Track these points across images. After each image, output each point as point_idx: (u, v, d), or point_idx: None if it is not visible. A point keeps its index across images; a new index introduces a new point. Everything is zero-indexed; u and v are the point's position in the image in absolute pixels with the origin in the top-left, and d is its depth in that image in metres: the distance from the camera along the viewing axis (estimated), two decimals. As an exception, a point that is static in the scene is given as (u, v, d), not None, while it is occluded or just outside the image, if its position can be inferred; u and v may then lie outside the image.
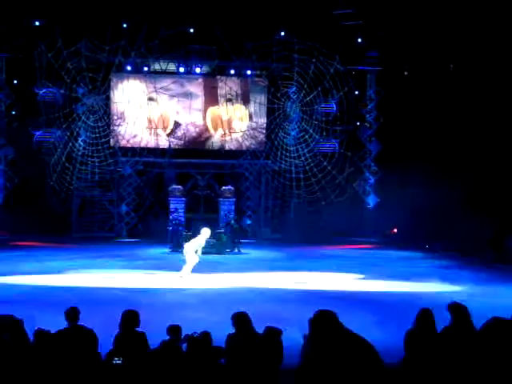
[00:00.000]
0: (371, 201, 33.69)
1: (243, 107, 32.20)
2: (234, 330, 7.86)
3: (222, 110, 32.05)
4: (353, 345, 6.15)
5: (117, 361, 7.40)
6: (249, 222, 31.76)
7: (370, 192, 33.81)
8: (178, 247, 24.74)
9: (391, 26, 29.19)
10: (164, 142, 31.88)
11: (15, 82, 31.22)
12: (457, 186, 26.99)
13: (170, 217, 28.52)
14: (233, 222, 27.79)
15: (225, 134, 32.19)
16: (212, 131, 32.17)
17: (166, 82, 31.80)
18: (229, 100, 32.04)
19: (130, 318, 8.12)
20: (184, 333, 8.01)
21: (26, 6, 27.78)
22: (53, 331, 7.90)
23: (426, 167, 28.62)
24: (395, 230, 30.43)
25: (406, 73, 32.18)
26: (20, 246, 27.25)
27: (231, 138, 32.32)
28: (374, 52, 32.41)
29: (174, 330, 8.41)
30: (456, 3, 27.30)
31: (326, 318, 6.30)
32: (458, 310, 7.44)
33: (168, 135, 31.85)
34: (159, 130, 31.75)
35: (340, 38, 30.11)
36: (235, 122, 32.19)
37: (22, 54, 29.78)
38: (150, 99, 31.58)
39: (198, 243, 19.68)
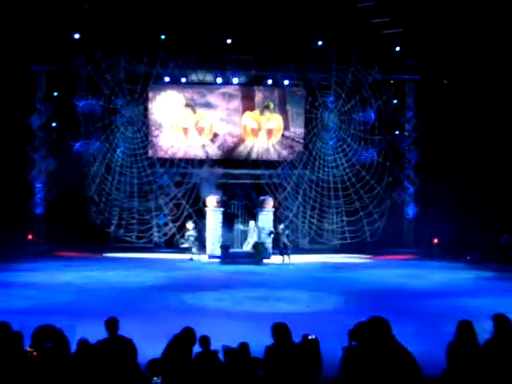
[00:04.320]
0: (410, 211, 33.30)
1: (280, 117, 32.16)
2: (272, 341, 7.78)
3: (260, 119, 32.04)
4: (398, 358, 6.06)
5: (156, 380, 7.40)
6: (287, 232, 31.65)
7: (409, 202, 33.45)
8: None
9: (430, 34, 28.93)
10: (201, 153, 31.95)
11: (55, 94, 31.61)
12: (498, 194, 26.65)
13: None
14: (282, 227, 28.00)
15: (262, 143, 32.15)
16: (249, 141, 32.16)
17: (202, 93, 31.92)
18: (266, 108, 32.02)
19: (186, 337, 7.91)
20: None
21: (65, 19, 28.12)
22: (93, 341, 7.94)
23: (466, 176, 28.29)
24: (436, 241, 30.03)
25: (445, 81, 31.82)
26: (60, 256, 27.55)
27: (269, 148, 32.28)
28: (412, 60, 32.12)
29: (204, 340, 8.35)
30: (495, 10, 27.02)
31: (379, 325, 6.20)
32: (502, 321, 7.31)
33: (205, 145, 31.92)
34: (196, 140, 31.82)
35: (378, 46, 29.95)
36: (272, 130, 32.14)
37: (62, 67, 30.15)
38: (188, 106, 31.72)
39: None
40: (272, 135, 32.13)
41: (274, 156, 32.34)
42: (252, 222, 28.45)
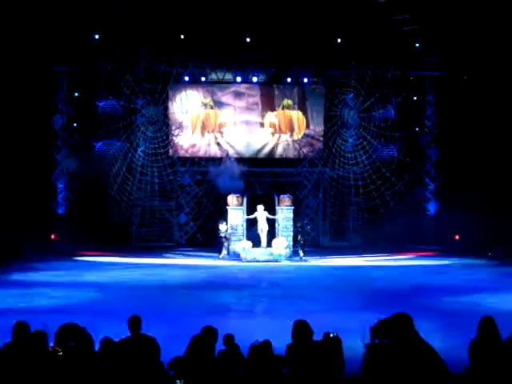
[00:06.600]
0: (432, 207, 33.18)
1: (300, 114, 32.13)
2: (293, 338, 7.77)
3: (280, 117, 32.04)
4: (423, 354, 6.05)
5: (178, 383, 7.46)
6: (307, 229, 31.58)
7: (430, 198, 33.32)
8: None
9: (450, 30, 28.74)
10: (221, 152, 32.00)
11: (76, 94, 31.80)
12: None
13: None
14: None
15: (281, 141, 32.14)
16: (269, 139, 32.17)
17: (223, 92, 31.97)
18: (286, 107, 32.00)
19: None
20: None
21: (85, 20, 28.25)
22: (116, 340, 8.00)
23: (487, 172, 28.08)
24: (457, 237, 29.87)
25: (465, 77, 31.58)
26: (82, 256, 27.71)
27: (289, 146, 32.29)
28: (432, 57, 31.93)
29: (228, 339, 8.40)
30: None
31: (402, 321, 6.20)
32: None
33: (225, 143, 31.98)
34: (216, 138, 31.90)
35: (398, 43, 29.81)
36: (294, 128, 32.10)
37: (83, 68, 30.33)
38: (210, 106, 31.78)
39: None
40: (294, 132, 32.11)
41: (294, 154, 32.35)
42: (260, 207, 27.94)
